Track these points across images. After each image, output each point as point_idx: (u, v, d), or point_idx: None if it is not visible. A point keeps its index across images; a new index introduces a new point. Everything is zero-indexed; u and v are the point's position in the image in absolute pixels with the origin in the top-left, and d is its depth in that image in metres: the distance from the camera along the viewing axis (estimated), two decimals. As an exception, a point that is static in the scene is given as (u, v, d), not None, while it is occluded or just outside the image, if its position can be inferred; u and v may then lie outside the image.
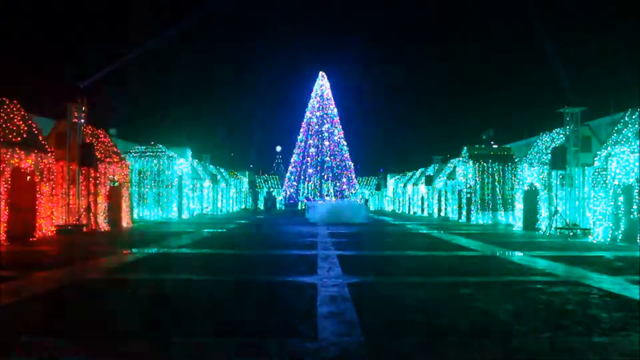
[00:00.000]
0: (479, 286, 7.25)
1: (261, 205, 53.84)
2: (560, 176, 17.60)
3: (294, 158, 41.60)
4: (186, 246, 12.56)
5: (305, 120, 41.70)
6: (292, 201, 39.15)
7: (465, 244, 13.59)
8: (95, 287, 7.10)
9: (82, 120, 17.02)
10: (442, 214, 30.72)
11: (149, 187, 25.66)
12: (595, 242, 14.07)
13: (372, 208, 51.00)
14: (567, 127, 17.52)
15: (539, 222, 18.53)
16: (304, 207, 34.64)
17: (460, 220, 26.54)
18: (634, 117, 13.78)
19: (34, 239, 13.42)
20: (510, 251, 11.71)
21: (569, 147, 17.27)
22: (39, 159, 13.89)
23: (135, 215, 23.99)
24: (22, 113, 13.78)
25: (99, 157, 17.31)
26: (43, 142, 14.41)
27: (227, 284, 7.35)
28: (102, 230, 17.08)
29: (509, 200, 23.67)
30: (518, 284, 7.35)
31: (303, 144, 41.06)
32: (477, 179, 24.63)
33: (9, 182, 12.51)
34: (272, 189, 56.54)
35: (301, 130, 41.56)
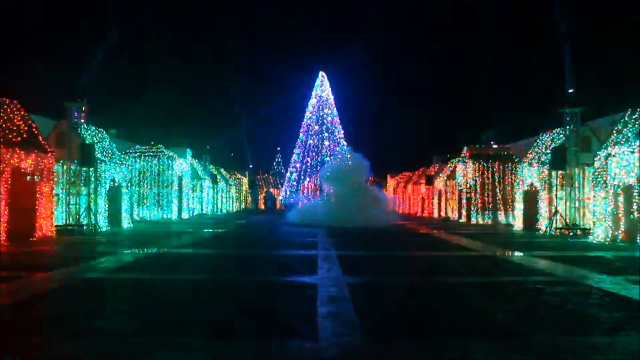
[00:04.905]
0: (479, 286, 7.26)
1: (261, 205, 54.02)
2: (560, 176, 17.60)
3: (293, 158, 41.60)
4: (186, 246, 12.56)
5: (305, 120, 41.72)
6: (292, 201, 39.19)
7: (465, 244, 13.59)
8: (95, 287, 7.10)
9: (82, 120, 17.02)
10: (442, 214, 30.71)
11: (149, 187, 25.66)
12: (595, 242, 14.07)
13: None
14: (567, 127, 17.52)
15: (538, 222, 18.54)
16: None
17: (460, 220, 26.54)
18: (634, 117, 13.77)
19: (34, 239, 13.41)
20: (510, 251, 11.71)
21: (569, 147, 17.26)
22: (39, 159, 13.88)
23: (135, 215, 23.99)
24: (22, 113, 13.77)
25: (98, 157, 17.30)
26: (43, 142, 14.40)
27: (227, 284, 7.34)
28: (102, 230, 17.07)
29: (509, 200, 23.67)
30: (518, 284, 7.35)
31: (303, 144, 41.08)
32: (477, 179, 24.62)
33: (9, 182, 12.51)
34: (271, 189, 56.67)
35: (301, 130, 41.56)
